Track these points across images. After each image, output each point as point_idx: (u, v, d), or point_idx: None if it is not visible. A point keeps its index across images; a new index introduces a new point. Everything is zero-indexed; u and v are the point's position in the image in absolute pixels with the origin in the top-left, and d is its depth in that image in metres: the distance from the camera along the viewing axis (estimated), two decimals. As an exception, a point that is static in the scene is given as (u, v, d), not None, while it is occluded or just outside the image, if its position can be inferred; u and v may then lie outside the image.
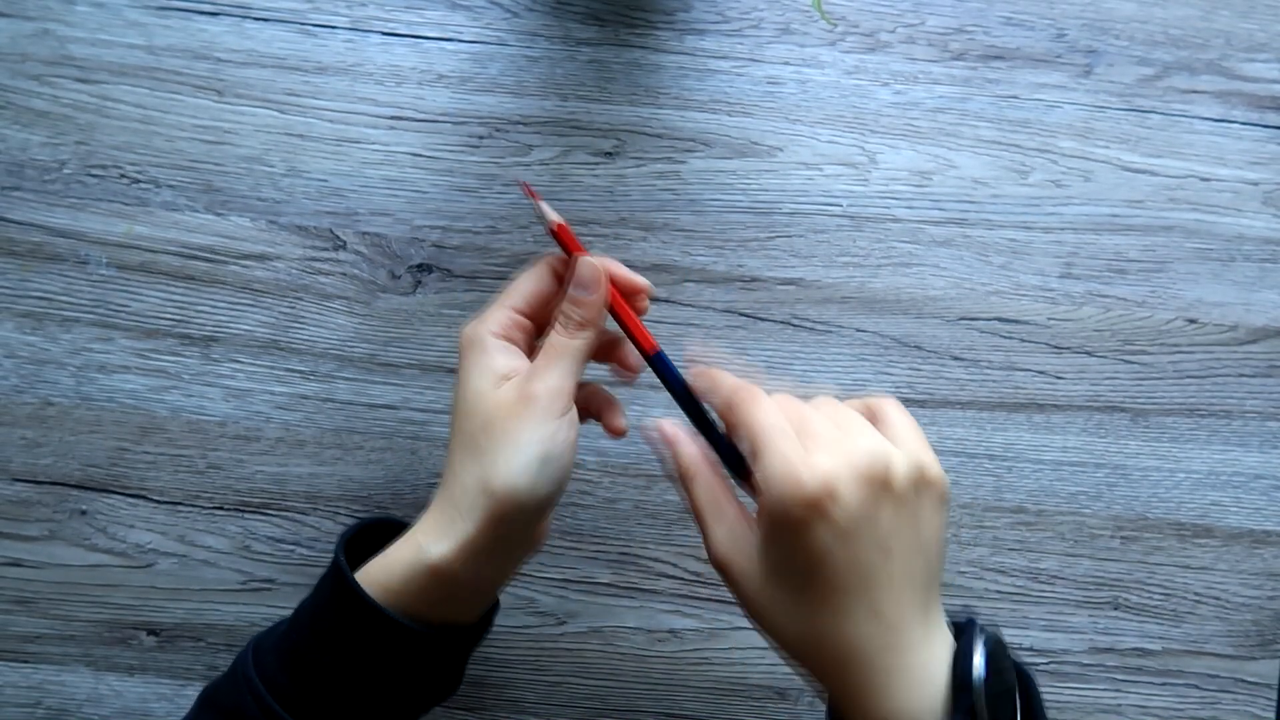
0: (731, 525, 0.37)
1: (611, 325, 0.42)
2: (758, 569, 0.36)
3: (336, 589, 0.38)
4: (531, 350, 0.41)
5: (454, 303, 0.53)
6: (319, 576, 0.40)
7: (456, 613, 0.40)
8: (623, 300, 0.41)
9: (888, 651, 0.35)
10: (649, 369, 0.42)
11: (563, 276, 0.42)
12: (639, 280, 0.42)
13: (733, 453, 0.40)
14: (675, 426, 0.40)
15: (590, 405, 0.44)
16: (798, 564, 0.35)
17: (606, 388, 0.45)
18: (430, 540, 0.38)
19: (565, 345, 0.39)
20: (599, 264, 0.40)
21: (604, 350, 0.44)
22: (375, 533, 0.42)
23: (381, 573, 0.38)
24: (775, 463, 0.34)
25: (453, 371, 0.53)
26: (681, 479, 0.39)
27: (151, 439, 0.53)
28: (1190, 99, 0.55)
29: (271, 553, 0.53)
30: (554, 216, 0.42)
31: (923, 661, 0.35)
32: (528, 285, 0.42)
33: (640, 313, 0.42)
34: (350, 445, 0.53)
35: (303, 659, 0.38)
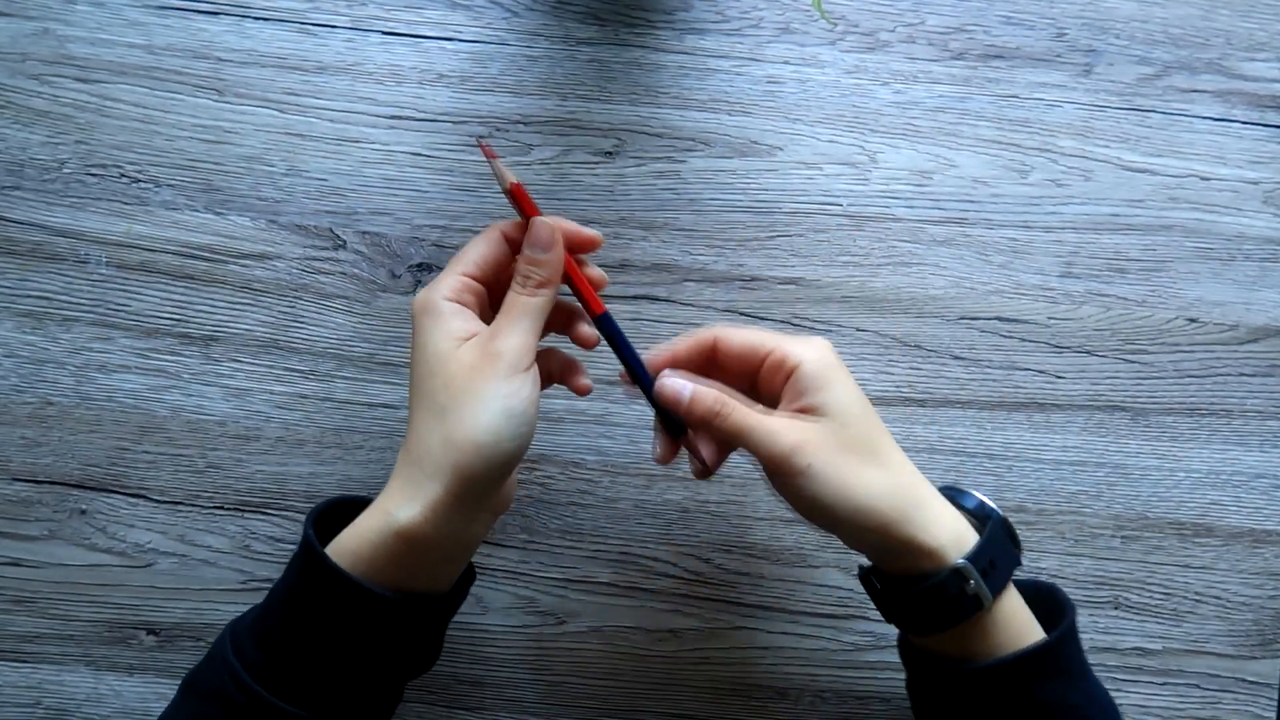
0: (786, 421, 0.40)
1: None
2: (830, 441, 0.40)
3: (307, 563, 0.38)
4: (485, 314, 0.42)
5: (454, 302, 0.53)
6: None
7: (430, 579, 0.40)
8: (573, 262, 0.43)
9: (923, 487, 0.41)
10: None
11: (512, 240, 0.42)
12: (587, 232, 0.43)
13: (670, 415, 0.43)
14: (679, 377, 0.42)
15: (553, 368, 0.45)
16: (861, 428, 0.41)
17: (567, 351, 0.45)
18: (397, 504, 0.38)
19: (526, 304, 0.40)
20: (554, 224, 0.41)
21: (559, 322, 0.45)
22: (345, 510, 0.42)
23: (352, 542, 0.38)
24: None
25: (453, 371, 0.53)
26: (715, 416, 0.41)
27: (151, 439, 0.53)
28: (1190, 98, 0.55)
29: (271, 552, 0.53)
30: (510, 177, 0.42)
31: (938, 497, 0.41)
32: (478, 250, 0.42)
33: (588, 248, 0.43)
34: (350, 444, 0.53)
35: (278, 635, 0.38)
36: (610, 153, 0.54)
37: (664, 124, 0.54)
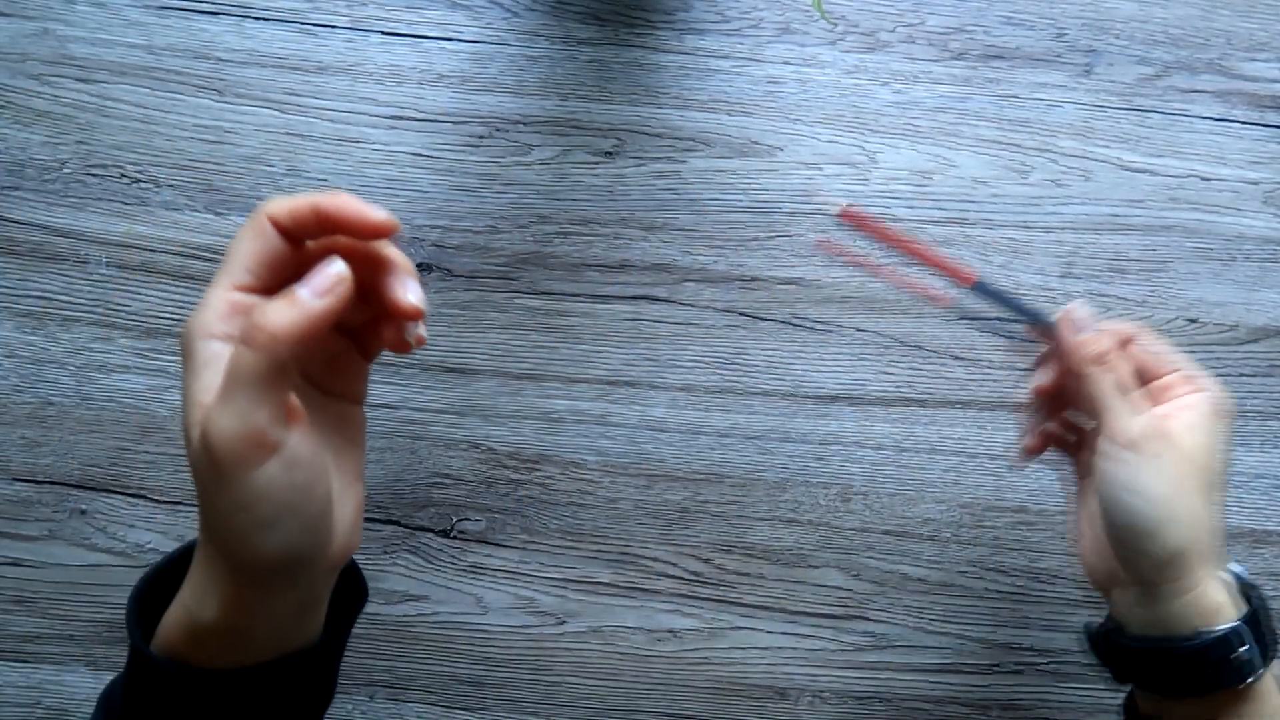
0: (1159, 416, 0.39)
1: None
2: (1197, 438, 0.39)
3: (132, 656, 0.33)
4: None
5: (454, 302, 0.53)
6: None
7: (258, 654, 0.32)
8: (914, 246, 0.42)
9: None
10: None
11: (285, 227, 0.30)
12: (375, 216, 0.30)
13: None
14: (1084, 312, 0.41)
15: (370, 297, 0.31)
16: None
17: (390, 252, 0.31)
18: (196, 599, 0.31)
19: (240, 364, 0.27)
20: (341, 272, 0.29)
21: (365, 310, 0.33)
22: (170, 577, 0.34)
23: (169, 632, 0.32)
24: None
25: (452, 371, 0.53)
26: (1105, 360, 0.39)
27: (151, 439, 0.53)
28: (1190, 98, 0.55)
29: (271, 552, 0.53)
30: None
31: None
32: (248, 248, 0.30)
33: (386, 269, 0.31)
34: (350, 445, 0.53)
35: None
36: (610, 153, 0.54)
37: (664, 124, 0.54)
